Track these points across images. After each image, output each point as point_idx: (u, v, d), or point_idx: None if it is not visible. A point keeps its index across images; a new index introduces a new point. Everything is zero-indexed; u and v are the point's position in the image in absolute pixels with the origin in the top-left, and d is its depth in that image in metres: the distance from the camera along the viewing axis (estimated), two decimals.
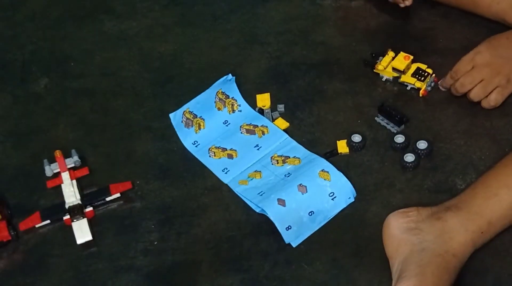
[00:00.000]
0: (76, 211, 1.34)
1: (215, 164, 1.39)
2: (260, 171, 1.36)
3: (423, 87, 1.44)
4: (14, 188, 1.42)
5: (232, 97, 1.46)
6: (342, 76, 1.50)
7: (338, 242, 1.27)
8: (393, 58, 1.46)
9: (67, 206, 1.35)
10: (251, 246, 1.29)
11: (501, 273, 1.21)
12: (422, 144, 1.36)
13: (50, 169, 1.39)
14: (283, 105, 1.46)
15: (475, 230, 1.19)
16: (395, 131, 1.40)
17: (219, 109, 1.45)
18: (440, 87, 1.43)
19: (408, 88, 1.45)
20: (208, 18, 1.66)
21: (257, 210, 1.31)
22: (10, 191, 1.41)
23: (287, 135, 1.41)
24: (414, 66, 1.45)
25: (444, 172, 1.33)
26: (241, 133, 1.43)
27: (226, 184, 1.37)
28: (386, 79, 1.47)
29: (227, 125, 1.44)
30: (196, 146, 1.43)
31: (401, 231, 1.21)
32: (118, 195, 1.37)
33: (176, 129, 1.45)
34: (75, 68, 1.61)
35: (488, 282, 1.20)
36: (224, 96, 1.46)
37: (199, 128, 1.44)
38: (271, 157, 1.38)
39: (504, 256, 1.22)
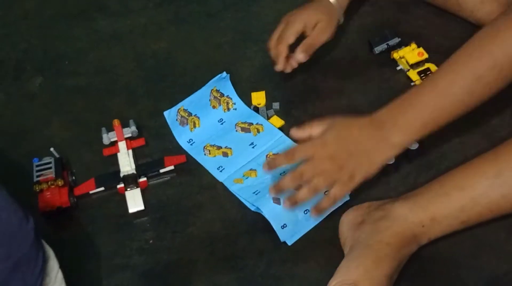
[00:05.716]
0: (130, 180, 1.35)
1: (210, 162, 1.39)
2: (255, 170, 1.36)
3: None
4: None
5: (227, 95, 1.46)
6: (337, 74, 1.50)
7: (333, 240, 1.27)
8: (413, 51, 1.46)
9: (122, 175, 1.36)
10: (247, 244, 1.29)
11: (497, 271, 1.21)
12: (413, 144, 1.35)
13: (107, 138, 1.41)
14: (278, 103, 1.46)
15: (415, 222, 1.18)
16: None
17: (214, 107, 1.45)
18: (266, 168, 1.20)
19: (412, 84, 1.45)
20: (202, 16, 1.66)
21: (252, 209, 1.31)
22: None
23: (282, 133, 1.41)
24: (426, 65, 1.45)
25: (439, 169, 1.33)
26: (236, 131, 1.42)
27: (221, 183, 1.37)
28: (400, 69, 1.48)
29: (222, 123, 1.44)
30: (191, 144, 1.42)
31: (348, 227, 1.22)
32: (172, 167, 1.38)
33: (171, 127, 1.45)
34: (69, 66, 1.61)
35: (484, 280, 1.20)
36: (219, 94, 1.46)
37: (194, 126, 1.44)
38: (266, 155, 1.38)
39: (500, 254, 1.22)
